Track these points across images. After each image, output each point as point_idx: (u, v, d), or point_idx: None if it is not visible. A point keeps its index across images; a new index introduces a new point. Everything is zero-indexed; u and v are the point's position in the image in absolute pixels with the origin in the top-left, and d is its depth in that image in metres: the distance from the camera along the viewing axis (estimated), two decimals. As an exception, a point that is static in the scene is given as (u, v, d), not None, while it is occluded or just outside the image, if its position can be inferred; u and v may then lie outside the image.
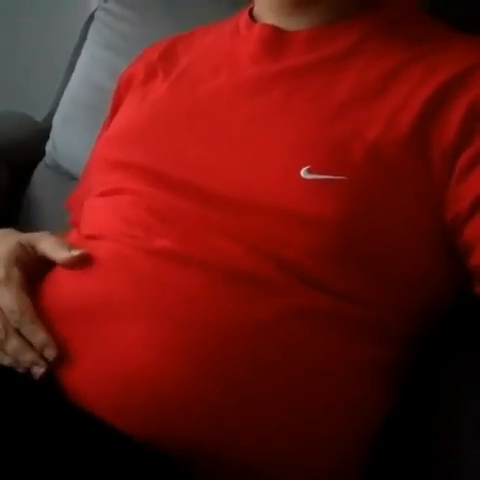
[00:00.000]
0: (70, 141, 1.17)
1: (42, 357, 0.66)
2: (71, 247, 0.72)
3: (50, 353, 0.66)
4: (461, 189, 0.70)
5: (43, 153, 1.22)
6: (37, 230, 0.88)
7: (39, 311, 0.69)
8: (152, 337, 0.66)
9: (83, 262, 0.71)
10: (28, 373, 0.67)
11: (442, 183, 0.70)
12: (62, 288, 0.71)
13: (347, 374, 0.70)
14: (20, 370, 0.67)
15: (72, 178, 1.13)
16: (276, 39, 0.78)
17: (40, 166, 1.22)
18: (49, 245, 0.74)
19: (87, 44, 1.25)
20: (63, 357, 0.66)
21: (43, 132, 1.24)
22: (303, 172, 0.69)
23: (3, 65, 1.52)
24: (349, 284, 0.69)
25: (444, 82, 0.71)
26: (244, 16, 0.83)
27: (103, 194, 0.78)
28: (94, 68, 1.20)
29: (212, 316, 0.66)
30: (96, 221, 0.77)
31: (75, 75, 1.23)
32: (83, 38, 1.26)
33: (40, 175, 1.21)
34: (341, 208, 0.68)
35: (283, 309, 0.67)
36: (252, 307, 0.67)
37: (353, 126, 0.70)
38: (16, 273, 0.71)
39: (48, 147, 1.21)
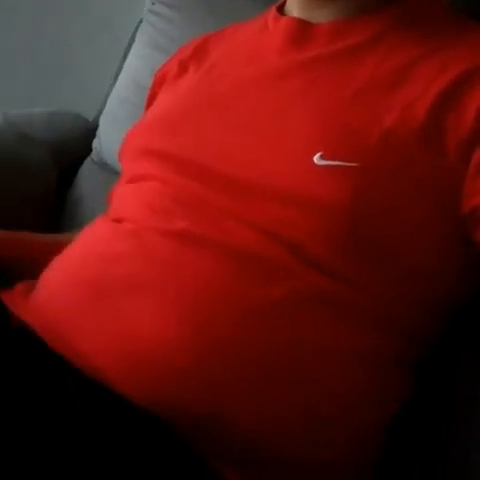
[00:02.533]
0: (114, 138, 1.21)
1: None
2: None
3: None
4: (479, 183, 0.70)
5: (90, 150, 1.27)
6: (82, 223, 0.93)
7: (64, 283, 0.74)
8: (166, 312, 0.69)
9: (107, 242, 0.75)
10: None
11: (458, 173, 0.71)
12: (87, 266, 0.75)
13: (349, 358, 0.71)
14: None
15: (115, 173, 1.17)
16: (300, 31, 0.80)
17: (86, 162, 1.27)
18: None
19: (135, 45, 1.29)
20: (82, 327, 0.70)
21: (92, 130, 1.29)
22: (316, 158, 0.71)
23: (58, 66, 1.59)
24: (355, 269, 0.71)
25: (460, 74, 0.72)
26: (272, 12, 0.86)
27: (130, 181, 0.82)
28: (139, 68, 1.24)
29: (222, 294, 0.69)
30: (122, 206, 0.81)
31: (122, 75, 1.27)
32: (132, 40, 1.31)
33: (86, 171, 1.26)
34: (351, 194, 0.69)
35: (289, 290, 0.69)
36: (260, 287, 0.69)
37: (369, 114, 0.72)
38: None
39: (94, 144, 1.27)
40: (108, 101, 1.28)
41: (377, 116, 0.71)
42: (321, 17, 0.80)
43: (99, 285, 0.72)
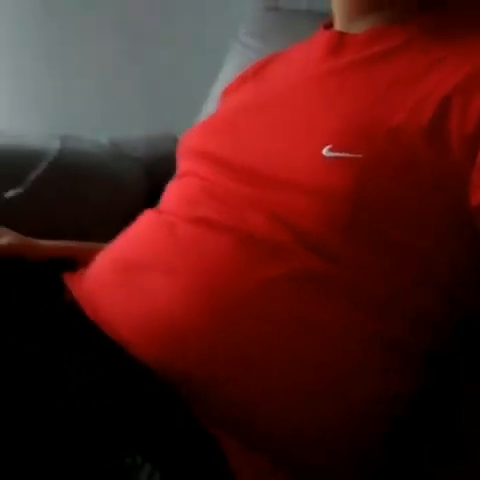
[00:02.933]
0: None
1: None
2: None
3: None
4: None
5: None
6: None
7: (102, 261, 0.87)
8: (182, 288, 0.78)
9: (143, 228, 0.88)
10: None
11: (464, 167, 0.75)
12: (122, 247, 0.88)
13: (349, 338, 0.76)
14: None
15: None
16: (338, 41, 0.89)
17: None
18: None
19: (223, 71, 1.42)
20: (109, 298, 0.82)
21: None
22: (325, 151, 0.78)
23: (145, 92, 1.75)
24: (356, 253, 0.76)
25: (469, 73, 0.77)
26: (320, 28, 0.95)
27: (178, 177, 0.94)
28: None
29: (231, 273, 0.77)
30: (166, 199, 0.93)
31: (210, 100, 1.40)
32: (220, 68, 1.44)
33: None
34: (353, 182, 0.76)
35: (293, 272, 0.76)
36: (262, 267, 0.77)
37: (380, 112, 0.78)
38: None
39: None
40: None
41: (388, 113, 0.77)
42: (357, 29, 0.88)
43: (128, 263, 0.84)
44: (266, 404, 0.75)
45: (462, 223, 0.77)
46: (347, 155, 0.77)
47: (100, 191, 1.30)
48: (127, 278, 0.82)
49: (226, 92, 1.06)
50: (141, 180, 1.35)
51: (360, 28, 0.88)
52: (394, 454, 0.81)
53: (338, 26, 0.92)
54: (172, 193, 0.93)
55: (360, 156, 0.76)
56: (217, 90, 1.40)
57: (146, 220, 0.90)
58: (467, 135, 0.75)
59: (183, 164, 0.95)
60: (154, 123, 1.48)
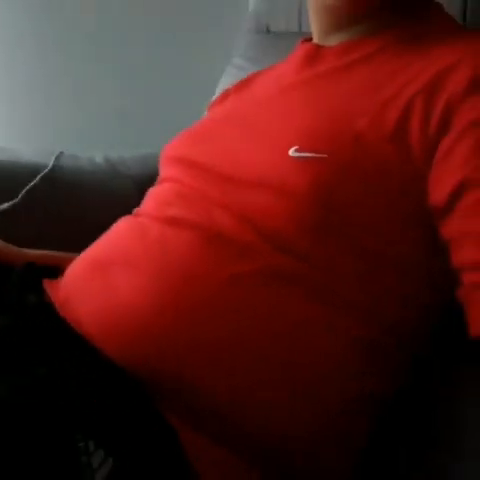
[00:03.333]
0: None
1: None
2: None
3: None
4: (440, 174, 0.76)
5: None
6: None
7: (77, 262, 0.90)
8: (146, 284, 0.79)
9: (118, 229, 0.90)
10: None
11: (425, 171, 0.76)
12: (97, 248, 0.90)
13: (317, 335, 0.77)
14: None
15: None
16: (314, 53, 0.92)
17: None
18: None
19: (215, 96, 1.44)
20: (80, 294, 0.83)
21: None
22: (291, 151, 0.79)
23: (144, 114, 1.79)
24: (322, 253, 0.77)
25: (433, 74, 0.79)
26: (299, 43, 0.98)
27: (157, 184, 0.97)
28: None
29: (197, 270, 0.79)
30: (143, 204, 0.96)
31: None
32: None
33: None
34: (316, 180, 0.77)
35: (261, 270, 0.77)
36: (230, 266, 0.78)
37: (346, 116, 0.80)
38: None
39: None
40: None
41: (353, 118, 0.80)
42: (333, 41, 0.92)
43: (99, 262, 0.86)
44: (233, 401, 0.76)
45: (432, 228, 0.77)
46: (312, 155, 0.78)
47: (94, 207, 1.33)
48: (97, 276, 0.84)
49: (210, 106, 1.09)
50: (134, 197, 1.37)
51: (335, 41, 0.91)
52: (370, 456, 0.82)
53: (316, 39, 0.95)
54: (149, 198, 0.96)
55: (325, 156, 0.78)
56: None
57: (121, 224, 0.93)
58: (428, 139, 0.76)
59: (162, 171, 0.98)
60: (150, 144, 1.50)
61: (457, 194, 0.74)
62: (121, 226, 0.92)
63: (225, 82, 1.43)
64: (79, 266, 0.89)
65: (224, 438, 0.76)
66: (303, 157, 0.79)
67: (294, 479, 0.78)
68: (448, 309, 0.80)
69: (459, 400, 0.77)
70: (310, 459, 0.79)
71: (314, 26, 0.94)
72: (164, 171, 0.97)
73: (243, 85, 1.05)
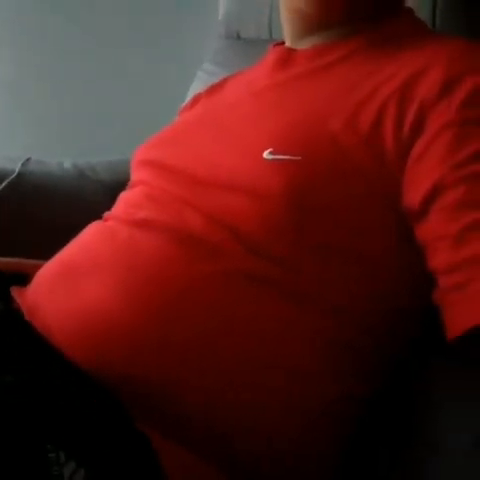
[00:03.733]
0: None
1: None
2: None
3: None
4: (410, 184, 0.76)
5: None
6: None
7: (45, 268, 0.88)
8: (114, 288, 0.78)
9: (86, 234, 0.89)
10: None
11: (398, 173, 0.76)
12: (65, 253, 0.89)
13: (290, 339, 0.76)
14: None
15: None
16: (286, 56, 0.92)
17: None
18: None
19: (186, 100, 1.44)
20: (48, 301, 0.82)
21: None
22: (266, 154, 0.79)
23: (113, 119, 1.78)
24: (295, 255, 0.76)
25: (406, 78, 0.79)
26: (271, 47, 0.97)
27: (128, 188, 0.96)
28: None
29: (165, 272, 0.77)
30: (113, 209, 0.94)
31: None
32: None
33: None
34: (289, 183, 0.77)
35: (229, 271, 0.76)
36: (201, 266, 0.77)
37: (320, 119, 0.80)
38: None
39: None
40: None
41: (326, 120, 0.79)
42: (305, 45, 0.91)
43: (66, 268, 0.84)
44: (203, 402, 0.75)
45: (408, 231, 0.77)
46: (286, 157, 0.78)
47: (62, 212, 1.31)
48: (64, 281, 0.83)
49: (181, 111, 1.08)
50: (104, 203, 1.36)
51: (307, 44, 0.91)
52: (350, 458, 0.81)
53: (288, 43, 0.94)
54: (119, 202, 0.94)
55: (299, 158, 0.78)
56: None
57: (90, 229, 0.91)
58: (401, 142, 0.76)
59: (133, 175, 0.97)
60: (120, 150, 1.50)
61: (431, 197, 0.74)
62: (90, 231, 0.90)
63: (196, 87, 1.42)
64: (47, 272, 0.88)
65: (193, 442, 0.74)
66: (277, 160, 0.78)
67: None
68: (428, 311, 0.79)
69: (435, 395, 0.77)
70: (281, 463, 0.77)
71: (286, 30, 0.94)
72: (135, 175, 0.96)
73: (214, 89, 1.05)
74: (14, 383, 0.67)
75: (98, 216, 1.39)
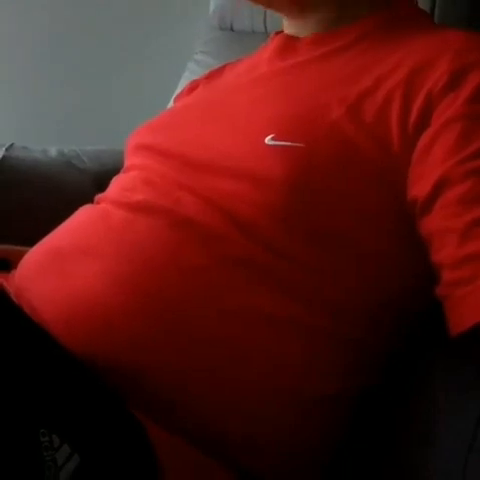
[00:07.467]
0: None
1: None
2: None
3: None
4: (420, 170, 0.74)
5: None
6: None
7: (34, 252, 0.85)
8: (107, 271, 0.76)
9: (77, 217, 0.86)
10: None
11: (404, 163, 0.75)
12: (55, 237, 0.86)
13: (284, 333, 0.74)
14: None
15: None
16: (287, 44, 0.90)
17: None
18: None
19: (178, 90, 1.42)
20: (38, 286, 0.79)
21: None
22: (267, 139, 0.77)
23: (104, 110, 1.76)
24: (291, 243, 0.75)
25: (411, 69, 0.77)
26: (272, 35, 0.96)
27: (122, 172, 0.93)
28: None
29: (159, 256, 0.75)
30: (106, 192, 0.91)
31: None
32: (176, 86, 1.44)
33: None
34: (291, 170, 0.75)
35: (223, 256, 0.75)
36: (195, 251, 0.75)
37: (322, 106, 0.79)
38: None
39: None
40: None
41: (328, 108, 0.78)
42: (305, 31, 0.90)
43: (57, 251, 0.81)
44: (198, 393, 0.73)
45: (409, 224, 0.76)
46: (289, 144, 0.77)
47: (45, 199, 1.28)
48: (55, 265, 0.80)
49: (177, 97, 1.06)
50: (89, 191, 1.33)
51: (308, 31, 0.89)
52: (341, 455, 0.80)
53: (287, 30, 0.93)
54: (113, 185, 0.92)
55: (301, 145, 0.76)
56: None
57: (81, 212, 0.89)
58: (407, 134, 0.75)
59: (128, 160, 0.94)
60: (111, 139, 1.48)
61: (437, 191, 0.72)
62: (81, 214, 0.88)
63: (188, 77, 1.40)
64: (35, 255, 0.85)
65: (187, 433, 0.73)
66: (280, 145, 0.77)
67: (258, 477, 0.76)
68: (426, 307, 0.78)
69: (433, 391, 0.76)
70: (280, 458, 0.76)
71: (282, 11, 0.92)
72: (130, 159, 0.94)
73: (213, 75, 1.03)
74: (4, 366, 0.64)
75: (84, 203, 1.37)
